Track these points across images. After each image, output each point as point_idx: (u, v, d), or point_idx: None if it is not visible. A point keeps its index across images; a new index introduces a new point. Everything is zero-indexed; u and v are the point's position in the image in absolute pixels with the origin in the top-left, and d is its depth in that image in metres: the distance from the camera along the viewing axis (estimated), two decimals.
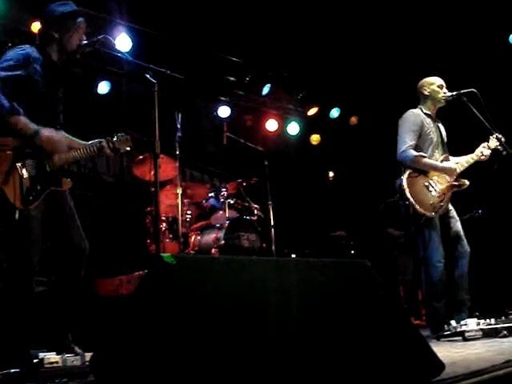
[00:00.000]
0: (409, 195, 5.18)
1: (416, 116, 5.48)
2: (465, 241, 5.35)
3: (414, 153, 5.27)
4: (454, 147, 5.60)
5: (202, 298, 2.37)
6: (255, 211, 7.18)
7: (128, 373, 2.38)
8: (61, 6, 4.48)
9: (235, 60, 8.38)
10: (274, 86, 8.99)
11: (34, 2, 6.57)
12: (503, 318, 5.04)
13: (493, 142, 5.45)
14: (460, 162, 5.46)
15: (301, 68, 8.87)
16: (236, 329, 2.38)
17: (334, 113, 9.71)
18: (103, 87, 7.66)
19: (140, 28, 7.24)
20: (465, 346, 4.35)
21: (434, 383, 2.70)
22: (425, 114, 5.52)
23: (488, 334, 4.81)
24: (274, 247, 6.78)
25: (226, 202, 6.96)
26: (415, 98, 5.67)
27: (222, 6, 7.31)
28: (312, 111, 9.66)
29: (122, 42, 6.87)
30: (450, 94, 5.46)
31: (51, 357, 3.57)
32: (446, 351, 3.95)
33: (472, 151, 5.52)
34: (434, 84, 5.57)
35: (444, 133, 5.64)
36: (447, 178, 5.36)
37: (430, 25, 7.69)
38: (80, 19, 4.39)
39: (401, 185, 5.25)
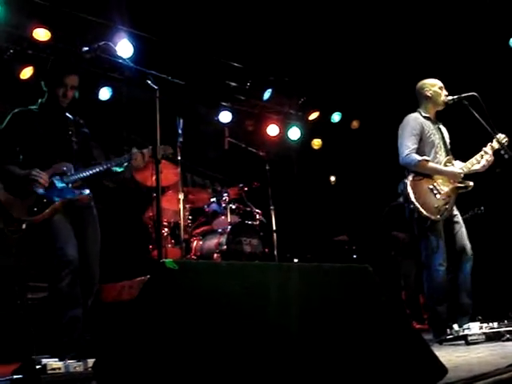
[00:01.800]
0: (413, 199, 5.18)
1: (415, 120, 5.48)
2: (469, 245, 5.34)
3: (418, 157, 5.26)
4: (457, 151, 5.60)
5: (205, 303, 2.38)
6: (257, 216, 7.19)
7: (131, 378, 2.38)
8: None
9: (236, 65, 8.39)
10: (275, 90, 8.99)
11: (35, 9, 6.60)
12: (506, 321, 5.03)
13: (496, 143, 5.44)
14: (465, 165, 5.46)
15: (301, 73, 8.88)
16: (238, 334, 2.38)
17: (336, 117, 9.71)
18: (105, 93, 7.67)
19: (141, 34, 7.26)
20: (467, 350, 4.35)
21: None
22: (424, 117, 5.52)
23: (491, 337, 4.80)
24: (276, 252, 6.77)
25: (228, 207, 6.96)
26: (416, 102, 5.67)
27: (223, 11, 7.33)
28: (313, 116, 9.66)
29: (124, 48, 6.88)
30: (451, 97, 5.47)
31: (54, 363, 3.57)
32: (448, 355, 3.94)
33: (473, 155, 5.51)
34: (435, 85, 5.57)
35: (446, 134, 5.64)
36: (451, 180, 5.37)
37: (431, 29, 7.70)
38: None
39: (405, 188, 5.25)
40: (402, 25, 7.72)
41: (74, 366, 3.61)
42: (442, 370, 2.84)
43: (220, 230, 6.77)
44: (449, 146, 5.57)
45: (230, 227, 6.70)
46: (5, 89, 7.13)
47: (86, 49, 4.45)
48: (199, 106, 8.76)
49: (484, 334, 4.80)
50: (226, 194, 7.04)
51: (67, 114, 4.68)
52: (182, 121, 6.12)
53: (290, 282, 2.77)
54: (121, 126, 8.04)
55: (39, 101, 4.60)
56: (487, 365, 3.17)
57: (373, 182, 8.99)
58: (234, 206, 7.05)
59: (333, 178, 10.46)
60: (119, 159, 4.64)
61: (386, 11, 7.59)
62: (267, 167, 7.11)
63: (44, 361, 3.58)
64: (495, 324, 4.91)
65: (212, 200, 7.19)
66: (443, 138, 5.57)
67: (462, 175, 5.39)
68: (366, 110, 9.45)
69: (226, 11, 7.35)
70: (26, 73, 7.00)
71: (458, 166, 5.48)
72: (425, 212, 5.15)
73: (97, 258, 4.57)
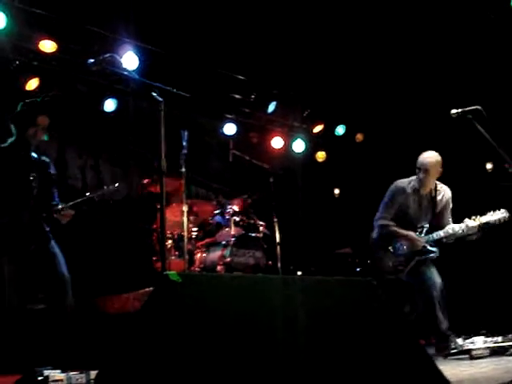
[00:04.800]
0: None
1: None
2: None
3: None
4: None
5: (208, 315, 2.37)
6: (261, 228, 7.17)
7: None
8: None
9: (241, 78, 8.42)
10: (280, 103, 9.01)
11: (42, 21, 6.64)
12: (510, 335, 5.01)
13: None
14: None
15: (306, 85, 8.90)
16: (241, 347, 2.38)
17: (340, 130, 9.72)
18: (110, 105, 7.70)
19: (146, 46, 7.29)
20: (472, 365, 4.33)
21: None
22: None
23: (495, 351, 4.78)
24: (279, 264, 6.75)
25: (232, 219, 6.95)
26: (419, 116, 5.68)
27: (227, 24, 7.37)
28: (317, 128, 9.67)
29: (129, 60, 6.90)
30: (455, 111, 5.46)
31: (56, 374, 3.57)
32: (452, 370, 3.93)
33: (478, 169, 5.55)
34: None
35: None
36: None
37: (435, 42, 7.72)
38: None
39: None
40: (407, 38, 7.74)
41: (77, 377, 3.61)
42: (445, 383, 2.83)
43: (224, 242, 6.76)
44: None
45: (233, 239, 6.69)
46: (10, 100, 7.17)
47: (92, 61, 4.47)
48: (204, 118, 8.78)
49: (488, 348, 4.78)
50: (229, 206, 7.04)
51: (33, 154, 4.81)
52: (186, 133, 6.14)
53: (293, 295, 2.76)
54: (125, 137, 8.07)
55: (8, 141, 4.73)
56: (491, 379, 3.17)
57: (377, 195, 8.96)
58: (237, 219, 7.04)
59: (337, 191, 10.44)
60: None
61: (390, 25, 7.62)
62: (271, 179, 7.10)
63: (46, 372, 3.57)
64: (499, 338, 4.89)
65: (216, 212, 7.18)
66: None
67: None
68: (371, 123, 9.46)
69: (231, 24, 7.38)
70: (32, 84, 7.03)
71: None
72: None
73: None
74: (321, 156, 10.05)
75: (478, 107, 5.28)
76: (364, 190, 9.43)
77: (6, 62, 6.76)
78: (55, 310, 4.54)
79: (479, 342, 4.80)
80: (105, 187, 4.88)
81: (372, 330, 2.84)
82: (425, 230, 5.79)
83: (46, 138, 4.81)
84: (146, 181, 6.84)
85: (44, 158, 4.91)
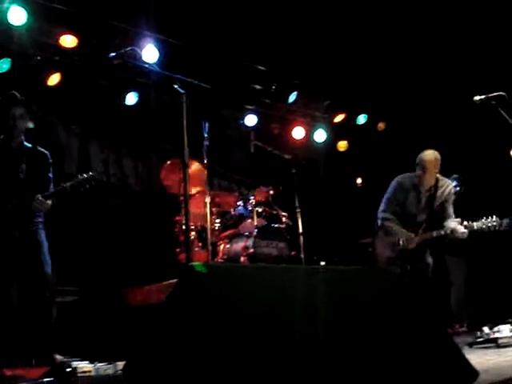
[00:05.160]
0: None
1: None
2: None
3: None
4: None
5: (232, 305, 2.38)
6: (283, 219, 7.16)
7: (160, 380, 2.40)
8: None
9: (261, 68, 8.40)
10: (301, 93, 8.98)
11: (62, 16, 6.68)
12: None
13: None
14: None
15: (327, 75, 8.85)
16: (266, 337, 2.38)
17: (361, 119, 9.67)
18: (131, 98, 7.73)
19: (166, 39, 7.30)
20: (498, 353, 4.30)
21: None
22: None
23: None
24: (302, 255, 6.74)
25: (254, 210, 6.94)
26: (442, 103, 5.64)
27: (247, 15, 7.35)
28: (339, 118, 9.63)
29: (149, 53, 6.92)
30: (478, 97, 5.40)
31: (84, 366, 3.60)
32: (479, 358, 3.90)
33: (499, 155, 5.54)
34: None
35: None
36: None
37: (458, 28, 7.63)
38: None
39: None
40: (429, 25, 7.67)
41: (104, 368, 3.64)
42: (473, 372, 2.81)
43: (247, 234, 6.76)
44: None
45: (256, 230, 6.69)
46: (32, 95, 7.23)
47: (113, 54, 4.50)
48: (225, 109, 8.78)
49: None
50: (252, 197, 7.03)
51: (26, 144, 5.00)
52: (207, 124, 6.14)
53: (317, 285, 2.76)
54: (147, 131, 8.10)
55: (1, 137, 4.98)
56: None
57: None
58: (260, 209, 7.03)
59: (359, 180, 10.39)
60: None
61: (413, 12, 7.55)
62: (293, 170, 7.08)
63: (74, 364, 3.61)
64: None
65: (238, 203, 7.18)
66: None
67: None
68: (392, 112, 9.39)
69: (251, 15, 7.36)
70: (54, 79, 7.09)
71: None
72: None
73: None
74: (342, 145, 10.00)
75: (502, 93, 5.22)
76: (387, 179, 9.35)
77: (28, 57, 6.80)
78: (32, 304, 4.66)
79: (506, 331, 4.77)
80: (79, 176, 4.97)
81: (398, 319, 2.83)
82: (423, 226, 5.93)
83: (31, 125, 5.06)
84: (163, 173, 6.87)
85: (41, 149, 5.06)
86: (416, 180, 6.07)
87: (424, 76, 8.35)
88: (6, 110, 4.89)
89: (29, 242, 4.80)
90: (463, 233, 5.65)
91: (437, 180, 6.03)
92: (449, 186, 6.11)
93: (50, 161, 5.05)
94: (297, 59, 8.31)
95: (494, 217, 5.62)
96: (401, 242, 6.00)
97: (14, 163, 4.86)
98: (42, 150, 5.08)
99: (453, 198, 6.06)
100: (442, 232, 5.81)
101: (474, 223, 5.66)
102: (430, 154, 6.00)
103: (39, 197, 4.75)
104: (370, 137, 9.73)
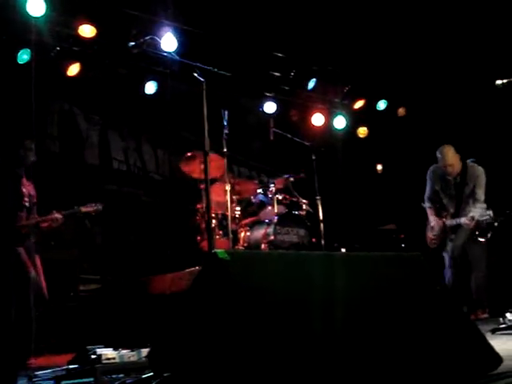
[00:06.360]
0: None
1: None
2: None
3: None
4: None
5: (256, 292, 2.39)
6: (304, 206, 7.16)
7: (185, 367, 2.42)
8: None
9: (280, 55, 8.37)
10: (320, 80, 8.94)
11: (80, 6, 6.70)
12: None
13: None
14: None
15: (346, 61, 8.80)
16: (289, 323, 2.39)
17: (381, 105, 9.61)
18: (150, 87, 7.75)
19: (185, 27, 7.29)
20: None
21: (491, 376, 2.67)
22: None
23: None
24: (323, 242, 6.75)
25: (275, 197, 6.95)
26: (463, 88, 5.58)
27: (265, 1, 7.32)
28: (358, 104, 9.58)
29: (168, 41, 6.91)
30: (500, 81, 5.33)
31: (108, 353, 3.64)
32: (502, 344, 3.88)
33: None
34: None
35: None
36: None
37: (479, 12, 7.54)
38: None
39: None
40: (449, 10, 7.58)
41: (128, 355, 3.67)
42: (497, 359, 2.80)
43: (267, 221, 6.78)
44: None
45: (276, 218, 6.71)
46: (53, 86, 7.27)
47: (133, 44, 4.51)
48: (244, 97, 8.77)
49: None
50: (272, 185, 7.04)
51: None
52: (227, 112, 6.14)
53: (339, 272, 2.76)
54: (166, 119, 8.13)
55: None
56: None
57: (420, 170, 8.85)
58: (280, 197, 7.04)
59: (379, 167, 10.34)
60: None
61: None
62: (313, 157, 7.07)
63: (99, 351, 3.64)
64: None
65: (259, 191, 7.19)
66: None
67: None
68: (412, 97, 9.32)
69: (269, 1, 7.32)
70: (73, 69, 7.13)
71: None
72: None
73: None
74: (362, 132, 9.95)
75: None
76: (407, 165, 9.32)
77: (47, 48, 6.84)
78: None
79: None
80: (75, 207, 5.37)
81: (421, 306, 2.82)
82: (450, 212, 6.51)
83: (34, 158, 5.33)
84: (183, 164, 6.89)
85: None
86: (442, 170, 6.55)
87: (444, 60, 8.26)
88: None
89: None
90: (467, 224, 6.18)
91: (466, 167, 6.42)
92: (477, 170, 6.42)
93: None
94: (315, 45, 8.26)
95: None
96: (436, 228, 6.57)
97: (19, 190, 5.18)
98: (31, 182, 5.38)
99: (483, 181, 6.35)
100: (454, 222, 6.37)
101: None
102: (444, 147, 6.49)
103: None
104: (390, 123, 9.66)
